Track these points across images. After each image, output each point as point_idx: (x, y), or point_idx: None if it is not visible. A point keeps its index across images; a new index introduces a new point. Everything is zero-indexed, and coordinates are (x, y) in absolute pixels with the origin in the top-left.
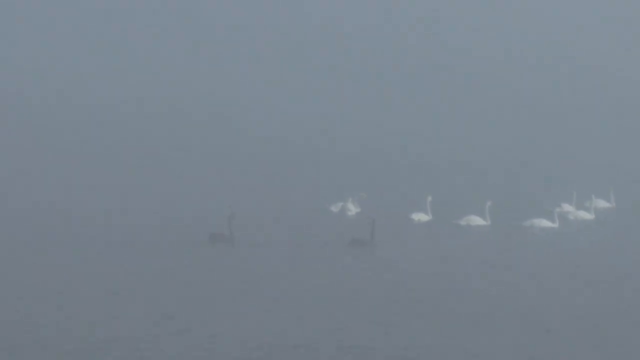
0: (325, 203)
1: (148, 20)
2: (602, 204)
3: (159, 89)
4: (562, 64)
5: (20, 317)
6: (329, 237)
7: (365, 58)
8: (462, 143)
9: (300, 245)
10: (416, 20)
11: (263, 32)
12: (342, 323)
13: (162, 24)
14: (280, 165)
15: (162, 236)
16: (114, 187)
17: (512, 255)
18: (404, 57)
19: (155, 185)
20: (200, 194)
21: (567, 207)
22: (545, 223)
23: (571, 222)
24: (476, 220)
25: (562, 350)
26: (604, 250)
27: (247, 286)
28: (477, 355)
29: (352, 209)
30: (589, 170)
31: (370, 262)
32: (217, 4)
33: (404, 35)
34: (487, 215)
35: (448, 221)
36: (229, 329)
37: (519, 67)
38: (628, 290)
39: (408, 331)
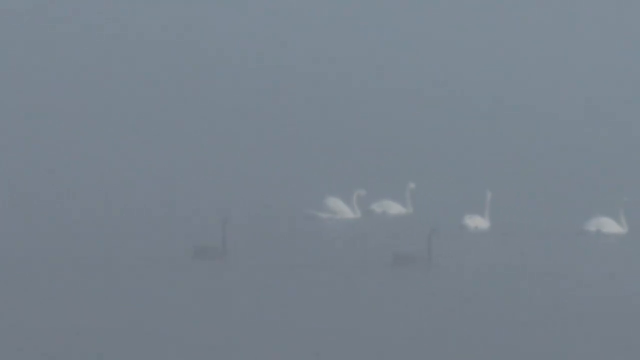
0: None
1: None
2: None
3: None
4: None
5: None
6: (351, 250)
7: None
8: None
9: (315, 261)
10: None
11: None
12: None
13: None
14: (281, 154)
15: (127, 253)
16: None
17: None
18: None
19: (117, 178)
20: (180, 190)
21: None
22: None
23: None
24: (609, 225)
25: None
26: None
27: (249, 320)
28: None
29: (349, 209)
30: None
31: (428, 288)
32: None
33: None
34: (621, 219)
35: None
36: None
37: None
38: None
39: None
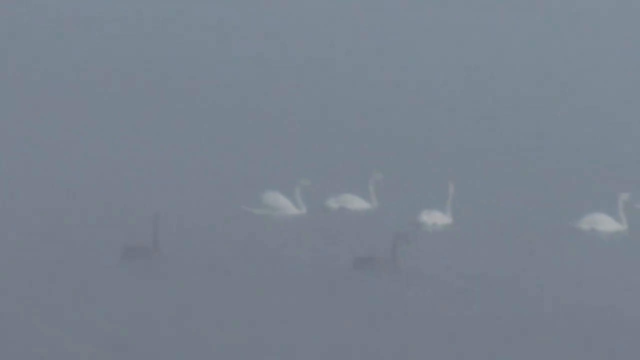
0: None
1: None
2: None
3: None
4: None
5: None
6: (301, 252)
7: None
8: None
9: (250, 263)
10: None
11: None
12: None
13: None
14: (227, 144)
15: (51, 254)
16: None
17: None
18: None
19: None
20: (108, 182)
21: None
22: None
23: None
24: (605, 223)
25: None
26: None
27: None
28: None
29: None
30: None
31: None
32: None
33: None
34: (621, 216)
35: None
36: None
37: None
38: None
39: None
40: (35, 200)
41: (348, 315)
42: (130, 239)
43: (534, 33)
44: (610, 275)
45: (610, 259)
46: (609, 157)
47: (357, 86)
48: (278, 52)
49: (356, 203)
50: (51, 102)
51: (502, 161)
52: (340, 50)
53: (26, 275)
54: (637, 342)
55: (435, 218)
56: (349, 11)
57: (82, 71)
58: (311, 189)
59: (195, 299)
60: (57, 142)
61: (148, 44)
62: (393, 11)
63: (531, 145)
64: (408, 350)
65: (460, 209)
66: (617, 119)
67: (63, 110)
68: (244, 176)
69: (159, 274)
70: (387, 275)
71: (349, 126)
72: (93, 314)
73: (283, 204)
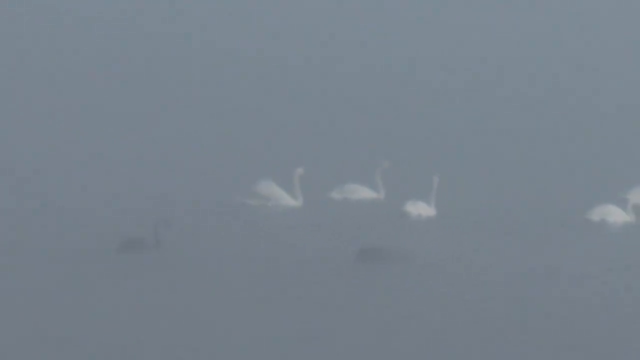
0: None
1: None
2: None
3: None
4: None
5: None
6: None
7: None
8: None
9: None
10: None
11: None
12: None
13: None
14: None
15: (41, 247)
16: None
17: None
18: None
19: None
20: (106, 175)
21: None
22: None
23: None
24: (615, 214)
25: None
26: None
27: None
28: None
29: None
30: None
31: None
32: None
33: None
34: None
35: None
36: None
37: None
38: None
39: None
40: (31, 195)
41: (349, 309)
42: (128, 232)
43: (534, 33)
44: (619, 267)
45: (621, 250)
46: (607, 154)
47: (357, 85)
48: (278, 52)
49: (362, 192)
50: (51, 100)
51: (502, 159)
52: (340, 50)
53: (21, 266)
54: None
55: (420, 209)
56: (349, 11)
57: (81, 71)
58: (315, 180)
59: (193, 293)
60: (56, 140)
61: (148, 44)
62: (393, 11)
63: (532, 142)
64: (412, 344)
65: (459, 201)
66: (617, 120)
67: (62, 110)
68: (243, 167)
69: (155, 267)
70: (391, 266)
71: (349, 123)
72: (89, 306)
73: (278, 194)
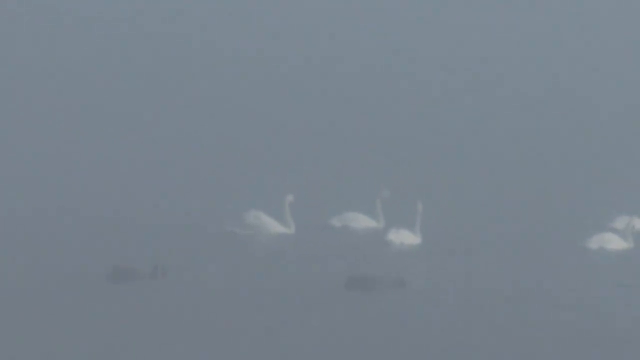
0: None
1: None
2: None
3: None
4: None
5: None
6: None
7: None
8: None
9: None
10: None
11: None
12: None
13: None
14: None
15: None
16: None
17: None
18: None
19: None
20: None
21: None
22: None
23: None
24: (613, 241)
25: None
26: None
27: None
28: None
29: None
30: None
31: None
32: None
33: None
34: (628, 235)
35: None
36: None
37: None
38: None
39: None
40: (21, 208)
41: (338, 335)
42: (116, 259)
43: (534, 33)
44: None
45: (618, 277)
46: (607, 157)
47: (357, 86)
48: (278, 52)
49: (362, 221)
50: (51, 100)
51: (501, 163)
52: (340, 50)
53: (13, 286)
54: None
55: (403, 237)
56: (348, 11)
57: (81, 71)
58: (315, 206)
59: (183, 323)
60: (56, 140)
61: (148, 44)
62: (393, 11)
63: (531, 144)
64: None
65: (448, 226)
66: (616, 120)
67: (62, 110)
68: (237, 191)
69: (147, 296)
70: (380, 293)
71: (349, 123)
72: (80, 335)
73: (267, 223)
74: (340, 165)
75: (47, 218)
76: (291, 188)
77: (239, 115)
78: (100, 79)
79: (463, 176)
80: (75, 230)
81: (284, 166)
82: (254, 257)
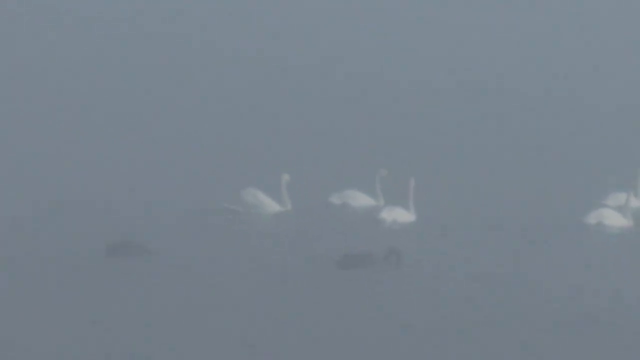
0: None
1: None
2: None
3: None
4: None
5: None
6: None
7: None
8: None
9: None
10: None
11: None
12: None
13: None
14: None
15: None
16: None
17: None
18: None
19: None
20: (95, 180)
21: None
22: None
23: None
24: (612, 218)
25: None
26: None
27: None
28: None
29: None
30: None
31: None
32: None
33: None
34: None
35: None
36: None
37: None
38: None
39: None
40: (27, 195)
41: (332, 315)
42: (114, 236)
43: (534, 33)
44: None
45: (618, 254)
46: (606, 155)
47: (356, 86)
48: (278, 52)
49: (361, 199)
50: (51, 100)
51: (502, 160)
52: (340, 50)
53: (10, 271)
54: None
55: (396, 215)
56: (348, 11)
57: (81, 71)
58: (316, 183)
59: (178, 300)
60: (55, 140)
61: (148, 44)
62: (393, 11)
63: (530, 141)
64: (398, 352)
65: (459, 204)
66: (616, 120)
67: (62, 110)
68: (238, 170)
69: (142, 272)
70: (374, 273)
71: (349, 123)
72: (77, 311)
73: (263, 202)
74: (340, 165)
75: (46, 215)
76: (290, 167)
77: (239, 115)
78: (100, 79)
79: (460, 157)
80: (75, 224)
81: (284, 166)
82: (248, 234)
